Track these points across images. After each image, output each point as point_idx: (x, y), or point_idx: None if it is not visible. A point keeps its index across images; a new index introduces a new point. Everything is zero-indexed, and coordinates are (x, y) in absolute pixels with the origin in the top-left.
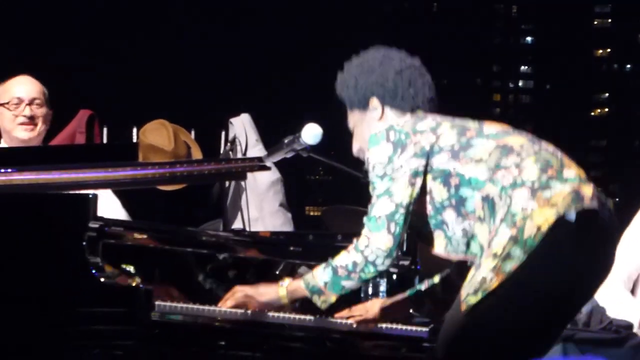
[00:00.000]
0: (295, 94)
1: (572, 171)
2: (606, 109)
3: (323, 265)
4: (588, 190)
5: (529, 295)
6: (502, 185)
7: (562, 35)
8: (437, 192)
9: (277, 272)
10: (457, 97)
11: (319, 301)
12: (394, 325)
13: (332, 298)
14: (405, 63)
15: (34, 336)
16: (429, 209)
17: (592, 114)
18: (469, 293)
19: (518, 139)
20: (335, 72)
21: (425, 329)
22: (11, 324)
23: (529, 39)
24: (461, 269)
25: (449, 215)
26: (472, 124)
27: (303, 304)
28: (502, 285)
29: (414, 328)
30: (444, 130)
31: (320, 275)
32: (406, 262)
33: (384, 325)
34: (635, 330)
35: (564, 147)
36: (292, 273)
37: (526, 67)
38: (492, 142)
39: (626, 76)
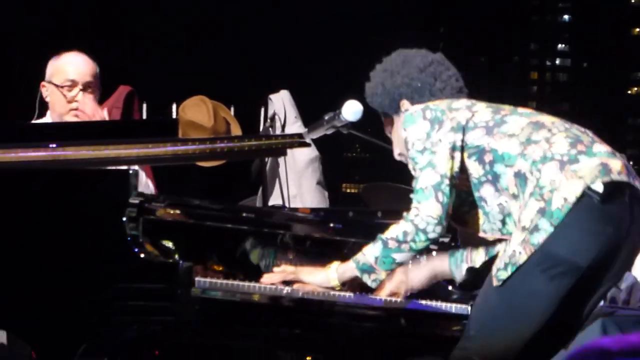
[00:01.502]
0: (335, 70)
1: (602, 147)
2: None
3: (373, 242)
4: (617, 164)
5: (557, 265)
6: (533, 159)
7: (599, 14)
8: (474, 168)
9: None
10: (495, 75)
11: (369, 280)
12: (435, 303)
13: (383, 275)
14: (427, 60)
15: (73, 312)
16: (468, 187)
17: (629, 92)
18: (500, 268)
19: (550, 118)
20: (375, 49)
21: (465, 307)
22: (51, 299)
23: (566, 17)
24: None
25: (487, 190)
26: (506, 106)
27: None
28: (531, 258)
29: (453, 305)
30: (479, 108)
31: (370, 251)
32: (446, 240)
33: (423, 302)
34: None
35: (600, 126)
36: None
37: (563, 45)
38: (524, 119)
39: None
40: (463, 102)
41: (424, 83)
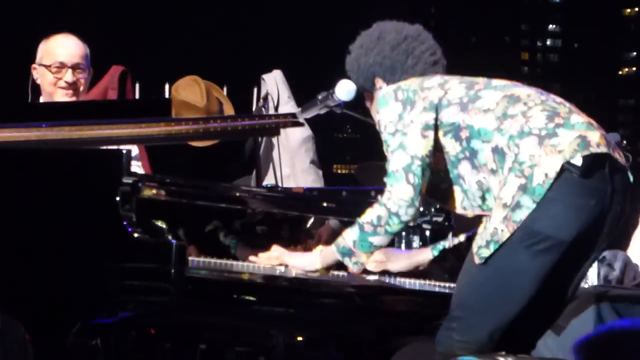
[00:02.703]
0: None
1: (580, 118)
2: (634, 68)
3: (351, 226)
4: (595, 135)
5: (541, 242)
6: (510, 134)
7: None
8: (450, 146)
9: (308, 227)
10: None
11: (350, 263)
12: (420, 281)
13: (363, 258)
14: (401, 35)
15: (67, 292)
16: (445, 165)
17: (620, 73)
18: (481, 246)
19: (525, 90)
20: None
21: (451, 285)
22: (45, 279)
23: None
24: None
25: (465, 167)
26: (480, 79)
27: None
28: (513, 236)
29: (439, 285)
30: (452, 85)
31: (349, 235)
32: (440, 219)
33: (409, 281)
34: None
35: (592, 106)
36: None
37: (554, 26)
38: (499, 93)
39: None
40: (435, 80)
41: (395, 61)
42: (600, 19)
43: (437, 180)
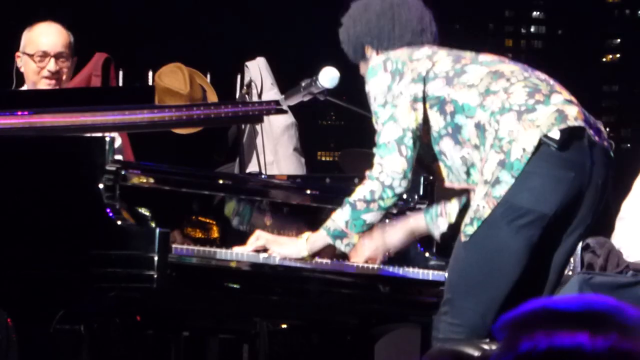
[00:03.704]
0: (311, 37)
1: (560, 96)
2: (618, 55)
3: (340, 207)
4: (572, 109)
5: (523, 216)
6: (492, 110)
7: None
8: (435, 120)
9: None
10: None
11: (342, 245)
12: (410, 269)
13: (355, 239)
14: (387, 4)
15: (50, 279)
16: (428, 139)
17: (604, 59)
18: (467, 223)
19: (510, 66)
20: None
21: (442, 273)
22: (28, 266)
23: None
24: None
25: (447, 143)
26: (468, 53)
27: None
28: (495, 211)
29: (431, 272)
30: (440, 57)
31: (339, 216)
32: (423, 205)
33: (400, 269)
34: None
35: (576, 93)
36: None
37: (538, 12)
38: (484, 69)
39: (638, 22)
40: (424, 52)
41: (382, 30)
42: (584, 6)
43: (422, 153)
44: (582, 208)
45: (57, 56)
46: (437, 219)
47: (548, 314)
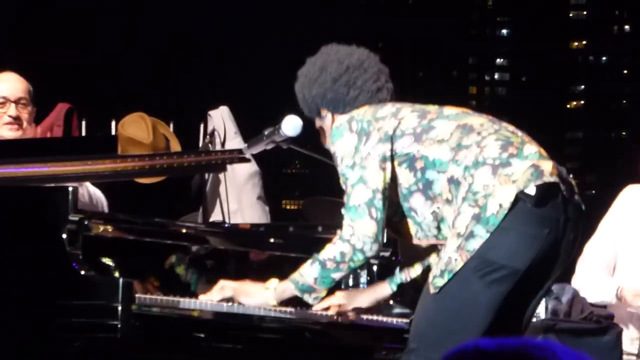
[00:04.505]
0: (274, 86)
1: (532, 147)
2: (582, 101)
3: (309, 262)
4: (547, 165)
5: (495, 271)
6: (465, 165)
7: (537, 27)
8: (404, 177)
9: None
10: (433, 90)
11: (310, 299)
12: (375, 317)
13: (323, 293)
14: (342, 66)
15: (14, 329)
16: (397, 197)
17: (568, 106)
18: (436, 275)
19: (478, 119)
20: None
21: (405, 321)
22: None
23: (504, 31)
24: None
25: (417, 200)
26: (431, 107)
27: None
28: (467, 264)
29: (394, 320)
30: (405, 114)
31: (308, 272)
32: (387, 254)
33: (364, 317)
34: (613, 300)
35: (540, 139)
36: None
37: (502, 59)
38: (452, 123)
39: (602, 68)
40: (388, 109)
41: (337, 94)
42: (548, 52)
43: (390, 213)
44: (554, 262)
45: (17, 101)
46: (400, 283)
47: (481, 354)
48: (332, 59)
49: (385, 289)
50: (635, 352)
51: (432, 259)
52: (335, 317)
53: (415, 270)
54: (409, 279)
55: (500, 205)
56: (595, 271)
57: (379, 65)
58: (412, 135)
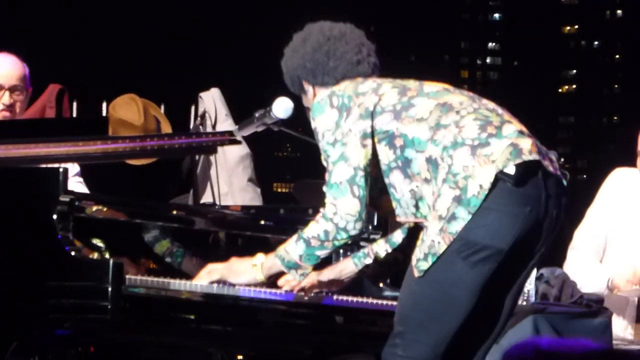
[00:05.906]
0: (265, 68)
1: (512, 126)
2: (574, 86)
3: (294, 238)
4: (526, 143)
5: (479, 252)
6: (444, 145)
7: (530, 12)
8: (384, 154)
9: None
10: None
11: (297, 275)
12: (365, 299)
13: (309, 269)
14: (324, 36)
15: (3, 310)
16: (377, 173)
17: (560, 90)
18: (420, 258)
19: (458, 97)
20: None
21: (385, 302)
22: None
23: (496, 15)
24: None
25: (397, 177)
26: (412, 84)
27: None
28: (450, 247)
29: (375, 300)
30: (385, 90)
31: (293, 249)
32: (377, 237)
33: (354, 299)
34: (604, 291)
35: (532, 124)
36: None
37: (494, 43)
38: (432, 101)
39: (594, 53)
40: (369, 85)
41: (316, 64)
42: (540, 37)
43: (370, 187)
44: (537, 239)
45: (11, 89)
46: (364, 259)
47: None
48: (314, 31)
49: (348, 264)
50: (630, 338)
51: (393, 238)
52: (330, 298)
53: (378, 246)
54: (372, 255)
55: (481, 186)
56: (586, 260)
57: (363, 39)
58: (392, 113)
